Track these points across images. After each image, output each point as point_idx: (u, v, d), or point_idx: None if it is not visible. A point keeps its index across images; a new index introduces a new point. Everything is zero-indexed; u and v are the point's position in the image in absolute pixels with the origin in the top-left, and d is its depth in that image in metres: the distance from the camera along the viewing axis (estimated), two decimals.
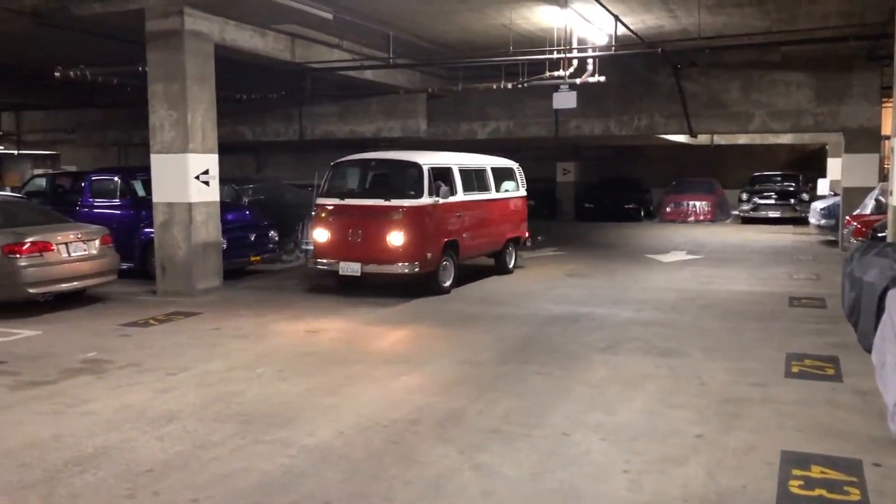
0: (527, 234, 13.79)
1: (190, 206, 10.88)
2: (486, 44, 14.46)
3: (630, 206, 25.80)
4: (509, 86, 14.80)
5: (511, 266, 13.26)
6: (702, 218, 24.67)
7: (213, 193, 11.29)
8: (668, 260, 15.16)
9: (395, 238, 10.37)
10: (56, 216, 11.02)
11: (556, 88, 13.93)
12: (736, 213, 25.14)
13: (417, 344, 8.19)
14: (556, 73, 13.84)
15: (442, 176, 11.18)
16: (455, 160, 11.86)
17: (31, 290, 9.40)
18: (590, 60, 13.52)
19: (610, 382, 6.58)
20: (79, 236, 10.04)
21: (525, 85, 14.61)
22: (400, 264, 10.41)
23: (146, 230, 12.01)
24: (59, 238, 9.74)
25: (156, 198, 11.16)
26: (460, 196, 11.49)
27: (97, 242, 10.25)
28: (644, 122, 18.13)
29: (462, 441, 5.16)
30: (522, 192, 13.76)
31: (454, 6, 12.22)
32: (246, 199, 15.33)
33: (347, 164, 11.70)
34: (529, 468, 4.72)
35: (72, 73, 12.91)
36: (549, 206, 26.68)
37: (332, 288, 11.41)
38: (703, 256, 15.60)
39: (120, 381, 6.68)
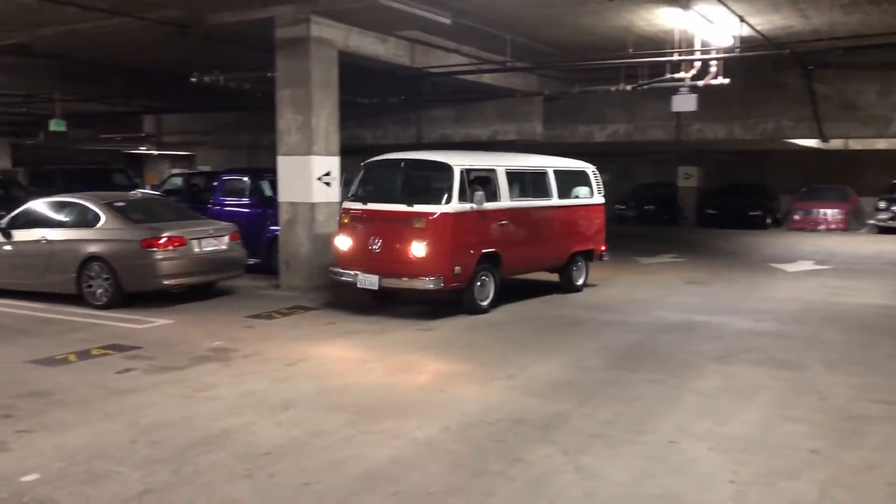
0: (604, 248, 12.04)
1: (312, 205, 11.35)
2: (604, 46, 14.32)
3: (755, 212, 24.78)
4: (628, 88, 14.60)
5: (580, 283, 11.60)
6: (833, 227, 23.41)
7: (333, 194, 11.73)
8: (794, 269, 14.51)
9: (417, 249, 9.06)
10: (190, 213, 11.75)
11: (677, 91, 13.60)
12: (872, 222, 23.69)
13: (523, 346, 8.23)
14: (676, 75, 13.53)
15: (482, 180, 9.89)
16: (502, 161, 10.47)
17: (165, 282, 10.08)
18: (713, 62, 13.15)
19: (722, 392, 6.42)
20: (210, 232, 10.67)
21: (645, 87, 14.36)
22: (422, 279, 9.11)
23: (272, 228, 12.60)
24: (193, 234, 10.38)
25: (281, 197, 11.70)
26: (505, 202, 10.01)
27: (227, 238, 10.86)
28: (770, 125, 17.45)
29: (566, 443, 5.18)
30: (598, 198, 11.99)
31: (573, 9, 12.18)
32: None
33: (378, 164, 10.30)
34: (633, 473, 4.70)
35: (207, 79, 13.72)
36: (668, 212, 26.04)
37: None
38: (832, 267, 14.84)
39: (243, 369, 7.08)
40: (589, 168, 12.00)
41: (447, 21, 11.69)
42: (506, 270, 10.07)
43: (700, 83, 13.33)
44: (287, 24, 11.28)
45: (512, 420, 5.65)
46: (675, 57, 12.89)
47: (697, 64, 13.22)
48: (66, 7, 10.16)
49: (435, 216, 9.13)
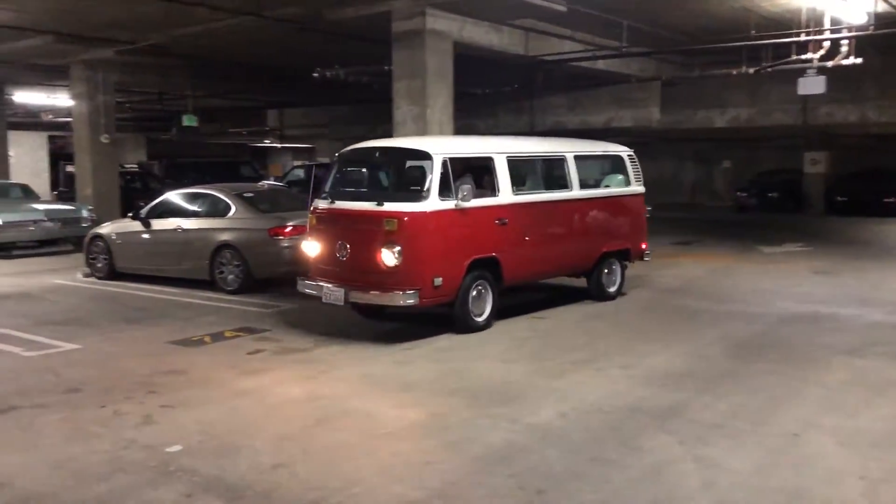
0: (644, 246, 10.19)
1: None
2: (724, 28, 13.84)
3: (891, 199, 23.35)
4: (750, 71, 14.07)
5: (612, 289, 9.77)
6: None
7: None
8: None
9: (387, 256, 7.43)
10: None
11: (803, 73, 12.99)
12: None
13: (634, 335, 8.13)
14: (803, 56, 12.93)
15: (478, 170, 8.36)
16: (502, 147, 8.69)
17: (291, 269, 10.54)
18: (844, 42, 12.48)
19: (851, 386, 6.17)
20: None
21: (769, 70, 13.80)
22: (393, 293, 7.45)
23: None
24: None
25: None
26: (506, 196, 8.29)
27: None
28: None
29: (684, 432, 5.13)
30: (636, 187, 10.16)
31: None
32: None
33: (352, 155, 8.75)
34: (754, 465, 4.61)
35: (328, 74, 14.20)
36: (794, 199, 24.87)
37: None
38: None
39: (364, 352, 7.36)
40: (624, 152, 10.22)
41: (562, 8, 11.62)
42: (509, 278, 8.36)
43: (829, 64, 12.69)
44: (403, 18, 11.52)
45: (629, 409, 5.64)
46: (803, 37, 12.32)
47: (826, 44, 12.59)
48: (196, 8, 10.74)
49: (408, 216, 7.46)
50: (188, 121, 19.69)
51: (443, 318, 8.04)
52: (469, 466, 4.63)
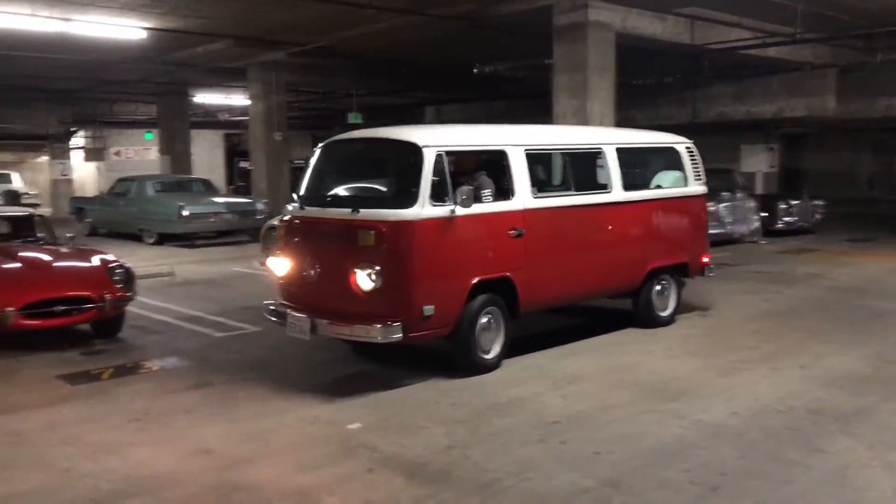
0: (706, 259, 8.50)
1: None
2: None
3: None
4: None
5: (665, 313, 8.01)
6: None
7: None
8: None
9: (362, 278, 5.91)
10: None
11: None
12: None
13: (808, 335, 7.73)
14: None
15: (488, 167, 6.68)
16: (519, 137, 6.97)
17: None
18: None
19: None
20: None
21: None
22: (369, 326, 5.87)
23: None
24: None
25: None
26: (523, 200, 6.62)
27: None
28: None
29: (871, 437, 4.87)
30: (696, 187, 8.34)
31: None
32: None
33: (332, 148, 7.09)
34: None
35: (487, 70, 14.40)
36: None
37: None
38: None
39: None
40: (680, 143, 8.39)
41: None
42: (526, 304, 6.68)
43: None
44: (565, 11, 11.50)
45: (807, 410, 5.40)
46: None
47: None
48: (364, 10, 11.21)
49: (389, 226, 5.88)
50: (354, 118, 20.53)
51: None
52: (639, 459, 4.62)
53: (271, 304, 6.75)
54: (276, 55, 16.53)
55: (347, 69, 18.29)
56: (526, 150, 6.75)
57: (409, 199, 5.90)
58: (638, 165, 8.25)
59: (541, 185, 7.18)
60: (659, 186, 8.21)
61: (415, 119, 29.22)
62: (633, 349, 7.17)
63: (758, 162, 20.05)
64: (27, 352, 7.27)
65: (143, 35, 13.44)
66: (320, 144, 7.16)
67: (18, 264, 7.76)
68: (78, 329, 7.92)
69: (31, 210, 10.46)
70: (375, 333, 5.83)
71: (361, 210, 6.05)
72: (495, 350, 6.48)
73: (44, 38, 13.42)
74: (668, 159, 8.38)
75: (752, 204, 15.42)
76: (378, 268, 5.84)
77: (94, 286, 7.54)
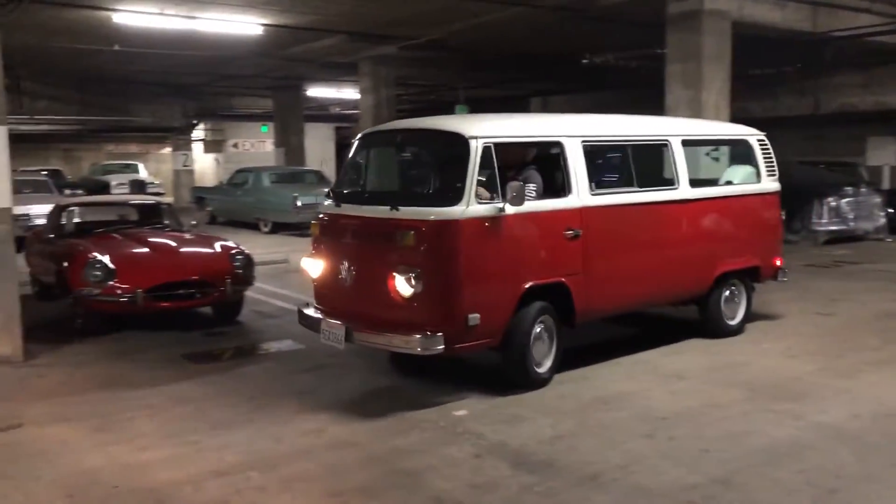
0: (778, 262, 7.70)
1: None
2: None
3: None
4: None
5: (734, 322, 7.36)
6: None
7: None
8: None
9: (401, 283, 5.38)
10: None
11: None
12: None
13: None
14: None
15: (542, 161, 6.15)
16: (576, 127, 6.27)
17: None
18: None
19: None
20: None
21: None
22: (408, 336, 5.36)
23: None
24: None
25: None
26: (580, 197, 5.99)
27: None
28: None
29: None
30: (769, 184, 7.60)
31: None
32: None
33: (370, 139, 6.59)
34: None
35: (597, 60, 14.23)
36: None
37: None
38: None
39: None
40: (752, 135, 7.64)
41: None
42: (583, 312, 6.06)
43: None
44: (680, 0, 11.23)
45: None
46: None
47: None
48: (473, 3, 11.25)
49: (431, 226, 5.34)
50: (460, 110, 20.66)
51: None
52: (750, 458, 4.52)
53: (305, 308, 6.25)
54: (386, 49, 16.83)
55: (455, 62, 18.43)
56: (584, 141, 6.10)
57: (454, 195, 5.36)
58: (706, 160, 8.03)
59: (599, 180, 6.51)
60: (729, 182, 7.54)
61: (520, 110, 29.17)
62: (745, 347, 6.97)
63: (885, 155, 18.99)
64: (155, 332, 7.76)
65: (261, 31, 14.00)
66: (358, 136, 6.59)
67: (147, 249, 8.26)
68: (200, 312, 8.37)
69: (157, 198, 11.11)
70: (415, 344, 5.31)
71: (401, 208, 5.48)
72: (547, 364, 5.87)
73: (170, 36, 14.18)
74: (739, 153, 7.82)
75: (877, 199, 14.66)
76: (418, 271, 5.29)
77: (216, 271, 7.94)
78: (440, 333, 5.29)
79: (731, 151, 8.04)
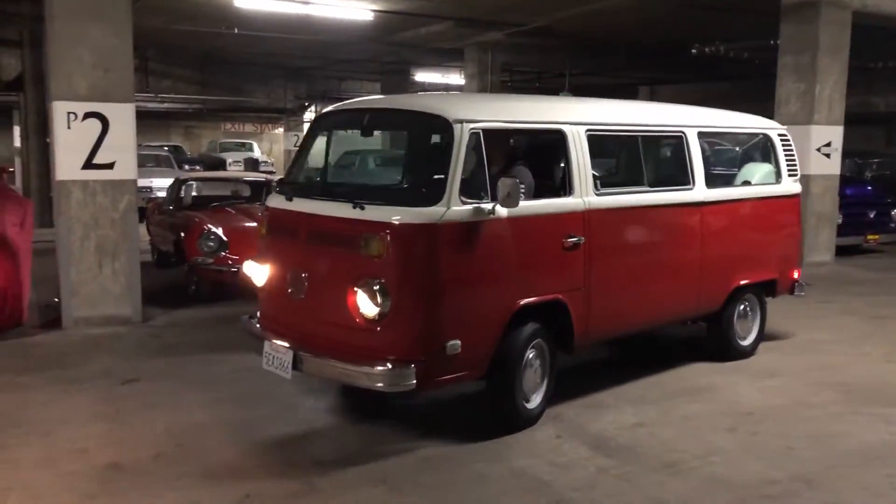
0: (796, 274, 6.80)
1: (808, 178, 10.86)
2: None
3: None
4: None
5: (747, 342, 6.49)
6: None
7: (833, 166, 11.06)
8: None
9: (364, 301, 4.36)
10: None
11: None
12: None
13: None
14: None
15: (540, 152, 5.26)
16: (579, 114, 5.24)
17: None
18: None
19: None
20: None
21: None
22: (370, 367, 4.30)
23: None
24: None
25: None
26: (583, 197, 5.01)
27: None
28: None
29: None
30: (789, 186, 6.67)
31: None
32: (868, 175, 14.47)
33: (330, 121, 5.54)
34: None
35: (707, 50, 13.90)
36: None
37: None
38: None
39: None
40: (773, 129, 6.71)
41: None
42: (584, 334, 5.10)
43: None
44: None
45: None
46: None
47: None
48: None
49: (402, 231, 4.29)
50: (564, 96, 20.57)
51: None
52: (836, 459, 4.46)
53: (249, 320, 5.19)
54: (493, 35, 16.94)
55: (562, 49, 18.36)
56: (589, 130, 5.11)
57: (433, 193, 4.30)
58: (723, 155, 7.14)
59: (606, 177, 5.63)
60: (747, 182, 6.60)
61: (626, 98, 28.69)
62: (845, 349, 6.79)
63: None
64: None
65: (371, 17, 14.37)
66: (317, 115, 5.60)
67: (256, 224, 8.68)
68: None
69: (269, 176, 11.65)
70: (378, 378, 4.23)
71: (367, 206, 4.36)
72: (537, 398, 4.91)
73: (286, 20, 14.76)
74: (758, 149, 6.89)
75: None
76: (385, 287, 4.24)
77: None
78: (411, 365, 4.21)
79: (749, 147, 7.12)
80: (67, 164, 6.92)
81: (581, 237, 4.95)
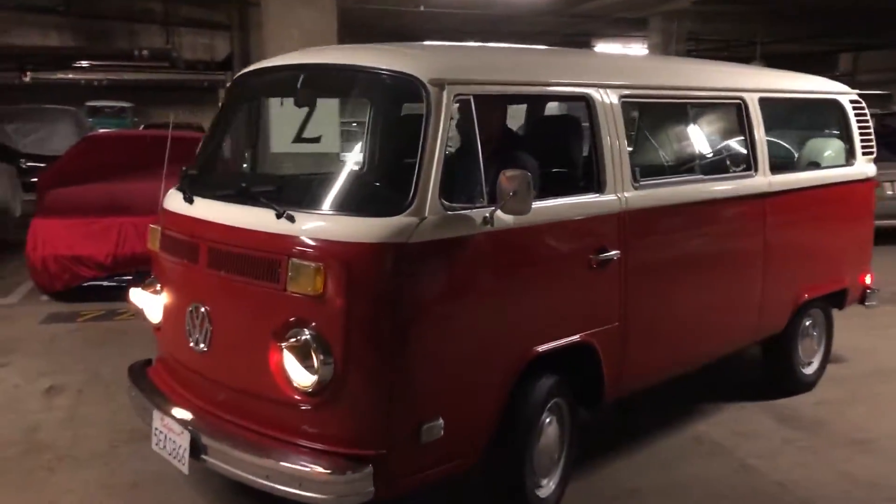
0: (867, 279, 5.23)
1: None
2: None
3: None
4: None
5: (811, 370, 5.04)
6: None
7: None
8: None
9: (293, 364, 2.76)
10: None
11: None
12: None
13: None
14: None
15: (546, 132, 3.98)
16: (609, 73, 3.73)
17: None
18: None
19: None
20: None
21: None
22: (298, 467, 2.72)
23: None
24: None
25: None
26: (617, 193, 3.47)
27: None
28: None
29: None
30: (863, 167, 5.10)
31: None
32: None
33: (252, 84, 3.81)
34: None
35: None
36: None
37: None
38: None
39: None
40: (844, 95, 5.10)
41: None
42: (618, 384, 3.62)
43: None
44: None
45: None
46: None
47: None
48: None
49: (354, 255, 2.71)
50: None
51: None
52: None
53: (145, 365, 3.68)
54: (679, 4, 16.44)
55: (754, 15, 17.52)
56: (624, 97, 3.59)
57: (399, 194, 2.80)
58: (785, 129, 5.49)
59: (647, 164, 4.16)
60: (814, 165, 5.09)
61: (822, 67, 26.89)
62: None
63: None
64: None
65: None
66: (235, 77, 3.96)
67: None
68: None
69: None
70: (315, 486, 2.71)
71: (298, 214, 2.83)
72: (552, 483, 3.43)
73: None
74: (826, 120, 5.42)
75: None
76: (326, 342, 2.72)
77: None
78: (368, 464, 2.73)
79: (814, 117, 5.74)
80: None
81: (616, 251, 3.43)
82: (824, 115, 5.44)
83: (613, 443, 4.20)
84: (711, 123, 4.76)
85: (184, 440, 3.01)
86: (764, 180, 4.31)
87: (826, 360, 5.14)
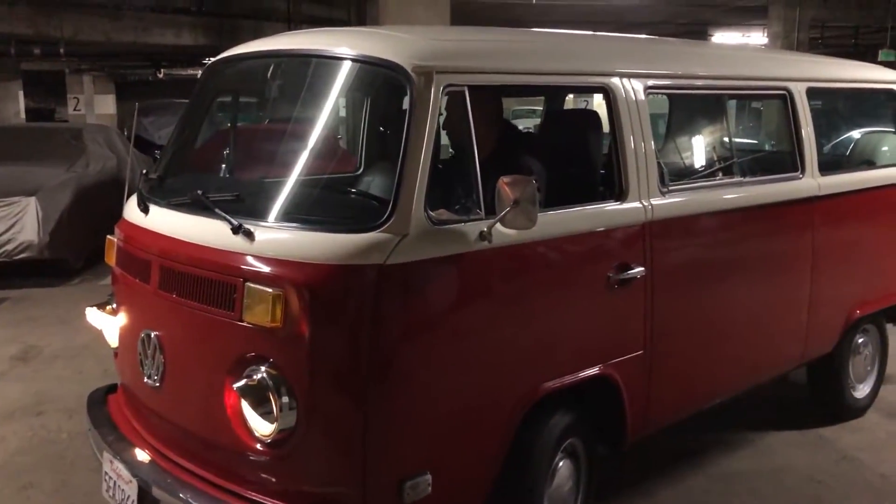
0: None
1: None
2: None
3: None
4: None
5: (863, 394, 4.45)
6: None
7: None
8: None
9: (250, 410, 2.34)
10: None
11: None
12: None
13: None
14: None
15: (554, 129, 3.71)
16: (632, 59, 3.24)
17: None
18: None
19: None
20: None
21: None
22: None
23: None
24: None
25: None
26: (642, 199, 2.98)
27: None
28: None
29: None
30: None
31: None
32: None
33: (220, 74, 3.30)
34: None
35: None
36: None
37: None
38: None
39: None
40: None
41: None
42: (642, 421, 3.12)
43: None
44: None
45: None
46: None
47: None
48: None
49: (317, 281, 2.26)
50: (885, 56, 18.61)
51: None
52: None
53: (108, 392, 3.21)
54: None
55: (880, 1, 16.69)
56: (650, 88, 3.11)
57: (375, 205, 2.48)
58: (834, 123, 4.83)
59: (675, 166, 3.72)
60: (868, 164, 4.56)
61: None
62: None
63: None
64: None
65: None
66: (208, 64, 3.55)
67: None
68: None
69: None
70: None
71: (257, 229, 2.41)
72: None
73: None
74: (881, 113, 4.83)
75: None
76: (288, 383, 2.32)
77: None
78: None
79: (864, 109, 5.07)
80: None
81: (640, 267, 2.97)
82: (880, 108, 4.89)
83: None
84: (751, 117, 4.24)
85: (132, 490, 2.58)
86: (812, 182, 3.79)
87: (880, 382, 4.59)
